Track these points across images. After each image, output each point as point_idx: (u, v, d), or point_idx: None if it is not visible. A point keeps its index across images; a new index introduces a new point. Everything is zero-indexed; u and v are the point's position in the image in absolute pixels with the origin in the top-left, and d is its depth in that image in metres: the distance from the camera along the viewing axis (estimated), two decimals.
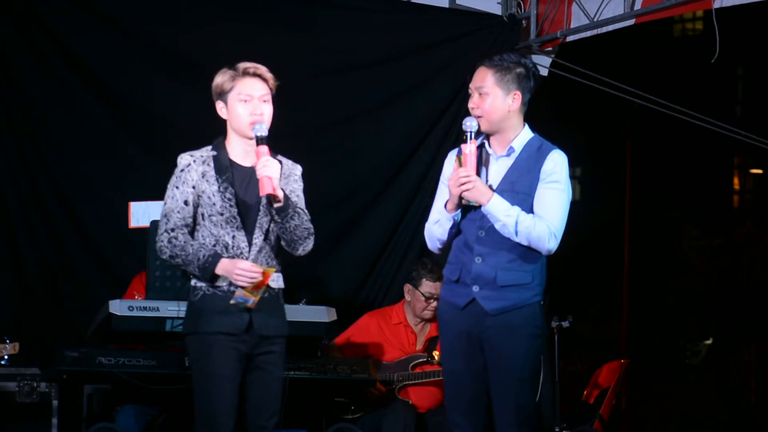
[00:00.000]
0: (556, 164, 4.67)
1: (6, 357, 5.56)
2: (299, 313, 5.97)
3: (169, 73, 7.17)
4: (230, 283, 4.59)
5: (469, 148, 4.61)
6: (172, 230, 4.59)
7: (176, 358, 5.80)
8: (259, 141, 4.59)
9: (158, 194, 6.21)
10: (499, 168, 4.70)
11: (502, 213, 4.58)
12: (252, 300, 4.58)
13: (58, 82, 7.01)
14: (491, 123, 4.67)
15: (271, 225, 4.67)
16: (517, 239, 4.60)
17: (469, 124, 4.63)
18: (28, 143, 6.94)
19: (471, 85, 4.72)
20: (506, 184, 4.66)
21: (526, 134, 4.73)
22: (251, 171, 4.66)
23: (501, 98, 4.66)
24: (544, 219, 4.60)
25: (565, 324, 6.60)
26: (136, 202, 6.42)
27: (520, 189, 4.64)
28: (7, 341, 5.55)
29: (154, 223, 5.93)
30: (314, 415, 6.49)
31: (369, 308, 7.10)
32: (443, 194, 4.78)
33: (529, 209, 4.63)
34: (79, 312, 6.81)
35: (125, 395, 6.29)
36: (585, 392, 7.38)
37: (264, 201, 4.65)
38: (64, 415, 6.17)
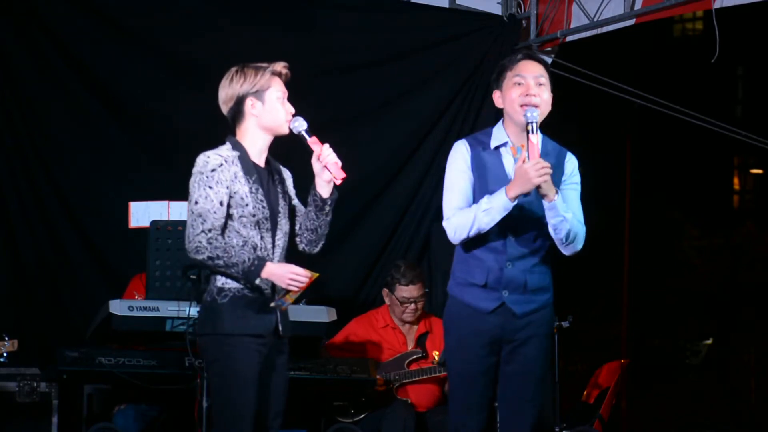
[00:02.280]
0: (575, 166, 4.73)
1: (5, 354, 5.55)
2: (299, 313, 5.96)
3: (169, 74, 7.17)
4: (271, 286, 4.58)
5: (536, 137, 4.53)
6: (210, 231, 4.51)
7: (176, 358, 5.80)
8: (306, 133, 4.65)
9: (158, 194, 6.26)
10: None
11: (563, 208, 4.57)
12: (288, 303, 4.60)
13: (58, 82, 7.01)
14: (543, 115, 4.65)
15: (288, 226, 4.68)
16: (561, 236, 4.58)
17: (530, 115, 4.55)
18: (28, 143, 6.94)
19: (525, 75, 4.63)
20: None
21: (539, 134, 4.73)
22: (265, 171, 4.67)
23: (549, 94, 4.67)
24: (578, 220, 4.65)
25: (565, 324, 6.60)
26: (136, 202, 6.41)
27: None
28: (6, 338, 5.54)
29: (154, 223, 5.95)
30: (314, 415, 6.48)
31: (369, 308, 7.10)
32: (465, 185, 4.71)
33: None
34: (79, 312, 6.81)
35: (125, 395, 6.29)
36: (585, 392, 7.38)
37: (282, 203, 4.66)
38: (64, 415, 6.17)
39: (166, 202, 6.31)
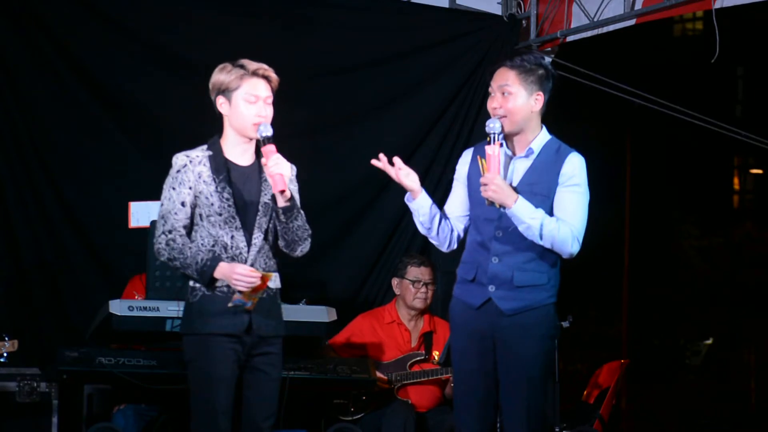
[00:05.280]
0: (575, 167, 4.67)
1: (5, 354, 5.55)
2: (299, 313, 5.96)
3: (170, 74, 7.16)
4: (228, 286, 4.57)
5: (494, 149, 4.58)
6: (170, 232, 4.55)
7: (176, 358, 5.78)
8: (265, 141, 4.60)
9: (158, 194, 6.22)
10: (517, 169, 4.69)
11: (527, 215, 4.57)
12: (250, 303, 4.58)
13: (58, 82, 7.00)
14: (514, 123, 4.66)
15: (270, 224, 4.67)
16: (540, 242, 4.59)
17: (492, 126, 4.61)
18: (28, 143, 6.93)
19: (493, 85, 4.69)
20: (524, 185, 4.65)
21: (545, 136, 4.72)
22: (248, 170, 4.66)
23: (524, 98, 4.65)
24: (567, 222, 4.60)
25: (565, 324, 6.59)
26: (136, 202, 6.41)
27: (538, 191, 4.63)
28: (6, 338, 5.54)
29: (154, 223, 5.94)
30: (314, 415, 6.48)
31: (369, 308, 7.09)
32: (456, 193, 4.81)
33: (548, 211, 4.63)
34: (79, 312, 6.80)
35: (125, 395, 6.29)
36: (585, 392, 7.38)
37: (263, 201, 4.65)
38: (64, 415, 6.17)
39: None
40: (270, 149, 4.59)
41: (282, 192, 4.56)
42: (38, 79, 6.96)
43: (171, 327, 5.76)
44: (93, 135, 7.09)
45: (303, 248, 4.73)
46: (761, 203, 19.86)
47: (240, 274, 4.51)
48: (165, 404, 6.19)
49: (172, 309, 5.75)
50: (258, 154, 4.70)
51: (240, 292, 4.54)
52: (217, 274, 4.54)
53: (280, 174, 4.56)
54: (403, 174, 4.71)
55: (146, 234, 5.99)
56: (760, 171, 20.33)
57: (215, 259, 4.54)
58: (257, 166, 4.69)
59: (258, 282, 4.53)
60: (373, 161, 4.73)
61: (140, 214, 6.36)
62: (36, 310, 6.90)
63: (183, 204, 4.57)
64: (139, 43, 7.15)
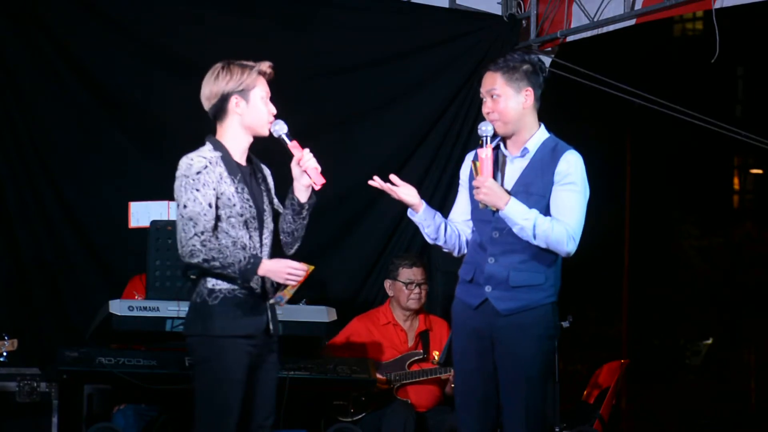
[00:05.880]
0: (570, 165, 4.66)
1: (5, 354, 5.55)
2: (299, 313, 5.96)
3: (170, 75, 7.16)
4: (251, 286, 4.55)
5: (485, 152, 4.62)
6: (203, 233, 4.49)
7: (176, 358, 5.80)
8: (287, 137, 4.63)
9: (158, 194, 6.25)
10: (513, 169, 4.71)
11: (519, 217, 4.59)
12: (286, 298, 4.60)
13: (58, 82, 7.00)
14: (507, 124, 4.68)
15: (273, 224, 4.68)
16: (535, 242, 4.60)
17: (485, 129, 4.64)
18: (28, 143, 6.94)
19: (482, 91, 4.73)
20: (520, 185, 4.66)
21: (542, 134, 4.73)
22: (249, 170, 4.67)
23: (513, 97, 4.67)
24: (562, 222, 4.60)
25: (565, 324, 6.59)
26: (136, 202, 6.41)
27: (534, 190, 4.64)
28: (6, 338, 5.53)
29: (154, 223, 5.95)
30: (314, 415, 6.49)
31: (369, 308, 7.09)
32: (461, 197, 4.85)
33: (544, 210, 4.63)
34: (79, 312, 6.80)
35: (125, 395, 6.29)
36: (585, 392, 7.38)
37: (266, 201, 4.65)
38: (64, 415, 6.17)
39: (166, 202, 6.31)
40: (296, 144, 4.63)
41: (322, 185, 4.62)
42: (38, 79, 6.96)
43: (171, 327, 5.76)
44: (93, 135, 7.09)
45: (298, 246, 4.77)
46: (761, 203, 19.89)
47: (294, 268, 4.52)
48: (165, 404, 6.19)
49: (172, 309, 5.75)
50: (249, 155, 4.71)
51: (285, 287, 4.55)
52: (261, 271, 4.52)
53: (316, 168, 4.62)
54: (402, 191, 4.79)
55: (146, 234, 5.98)
56: (760, 171, 20.36)
57: (257, 257, 4.53)
58: (253, 168, 4.70)
59: (304, 275, 4.55)
60: (370, 182, 4.80)
61: (140, 214, 6.36)
62: (36, 310, 6.91)
63: (210, 205, 4.52)
64: (139, 43, 7.15)
